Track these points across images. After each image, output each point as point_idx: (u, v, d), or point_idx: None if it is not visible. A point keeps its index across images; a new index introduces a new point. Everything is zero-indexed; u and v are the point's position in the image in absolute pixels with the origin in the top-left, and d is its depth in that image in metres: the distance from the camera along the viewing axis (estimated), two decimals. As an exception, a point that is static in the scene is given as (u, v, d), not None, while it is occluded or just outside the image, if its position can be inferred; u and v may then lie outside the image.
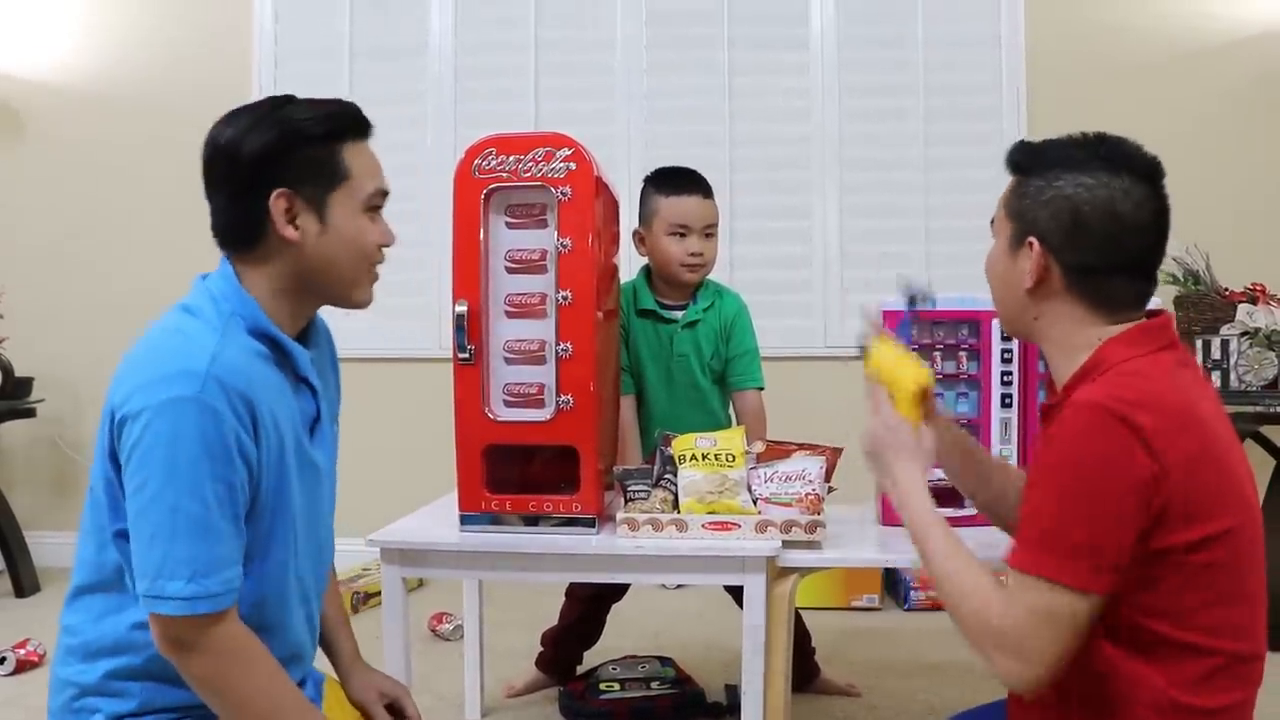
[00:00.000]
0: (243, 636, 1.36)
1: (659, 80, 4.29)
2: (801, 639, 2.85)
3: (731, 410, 2.77)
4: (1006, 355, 2.21)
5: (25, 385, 4.13)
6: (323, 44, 4.40)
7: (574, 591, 2.93)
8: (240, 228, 1.44)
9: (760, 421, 2.65)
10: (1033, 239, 1.41)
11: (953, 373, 2.27)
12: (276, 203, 1.41)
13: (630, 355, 2.70)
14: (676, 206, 2.66)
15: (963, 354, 2.26)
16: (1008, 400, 2.22)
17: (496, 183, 2.08)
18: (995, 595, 1.30)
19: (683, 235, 2.65)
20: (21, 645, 3.22)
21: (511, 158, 2.07)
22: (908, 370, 1.60)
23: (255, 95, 4.30)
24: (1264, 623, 1.37)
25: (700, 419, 2.61)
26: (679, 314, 2.70)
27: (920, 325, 2.26)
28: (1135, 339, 1.39)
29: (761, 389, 2.75)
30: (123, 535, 1.35)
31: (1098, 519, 1.25)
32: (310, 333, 1.57)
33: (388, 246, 1.56)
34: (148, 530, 1.29)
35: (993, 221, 1.54)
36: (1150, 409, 1.27)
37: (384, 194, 1.54)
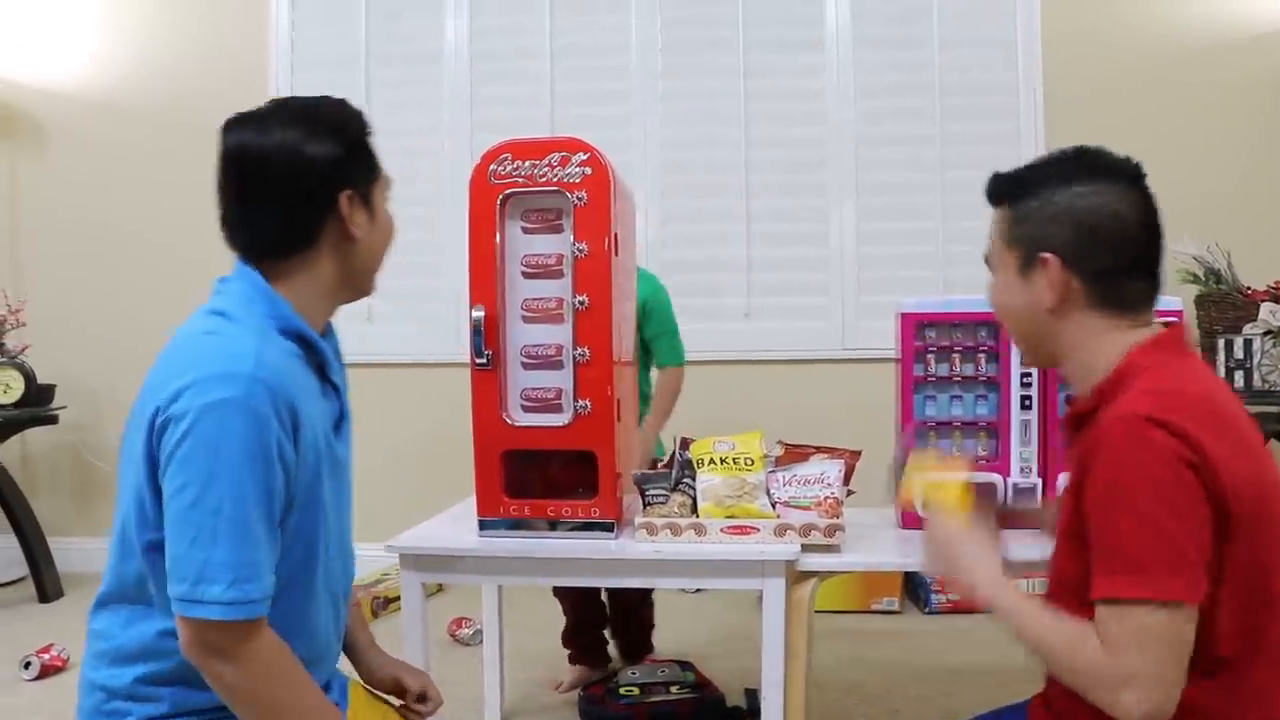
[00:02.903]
0: (276, 647, 1.35)
1: (674, 83, 4.30)
2: (644, 612, 3.15)
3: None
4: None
5: (47, 393, 4.17)
6: (339, 51, 4.43)
7: (558, 590, 3.08)
8: (295, 234, 1.44)
9: (671, 397, 2.99)
10: (1047, 255, 1.41)
11: (971, 375, 2.26)
12: (345, 203, 1.44)
13: None
14: None
15: (981, 356, 2.25)
16: (1027, 402, 2.22)
17: (513, 188, 2.08)
18: (1096, 643, 1.26)
19: None
20: (45, 650, 3.25)
21: (527, 163, 2.07)
22: (946, 480, 1.61)
23: (273, 103, 4.36)
24: None
25: None
26: None
27: (939, 326, 2.25)
28: (1162, 344, 1.40)
29: (682, 365, 3.06)
30: (153, 547, 1.34)
31: (1179, 531, 1.23)
32: (327, 331, 1.58)
33: None
34: (189, 533, 1.28)
35: (987, 259, 1.54)
36: (1190, 414, 1.27)
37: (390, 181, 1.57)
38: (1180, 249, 3.74)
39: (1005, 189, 1.50)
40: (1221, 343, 3.60)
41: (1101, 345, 1.41)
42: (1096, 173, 1.43)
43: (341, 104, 1.49)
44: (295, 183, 1.41)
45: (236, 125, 1.43)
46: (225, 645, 1.30)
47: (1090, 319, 1.42)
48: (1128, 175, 1.44)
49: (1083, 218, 1.40)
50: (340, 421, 1.54)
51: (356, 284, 1.53)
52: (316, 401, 1.45)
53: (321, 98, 1.49)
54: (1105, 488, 1.28)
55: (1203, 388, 1.37)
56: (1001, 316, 1.55)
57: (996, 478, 2.20)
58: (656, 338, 3.02)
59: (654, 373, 3.12)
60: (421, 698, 1.71)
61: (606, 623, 3.12)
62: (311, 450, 1.40)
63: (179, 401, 1.29)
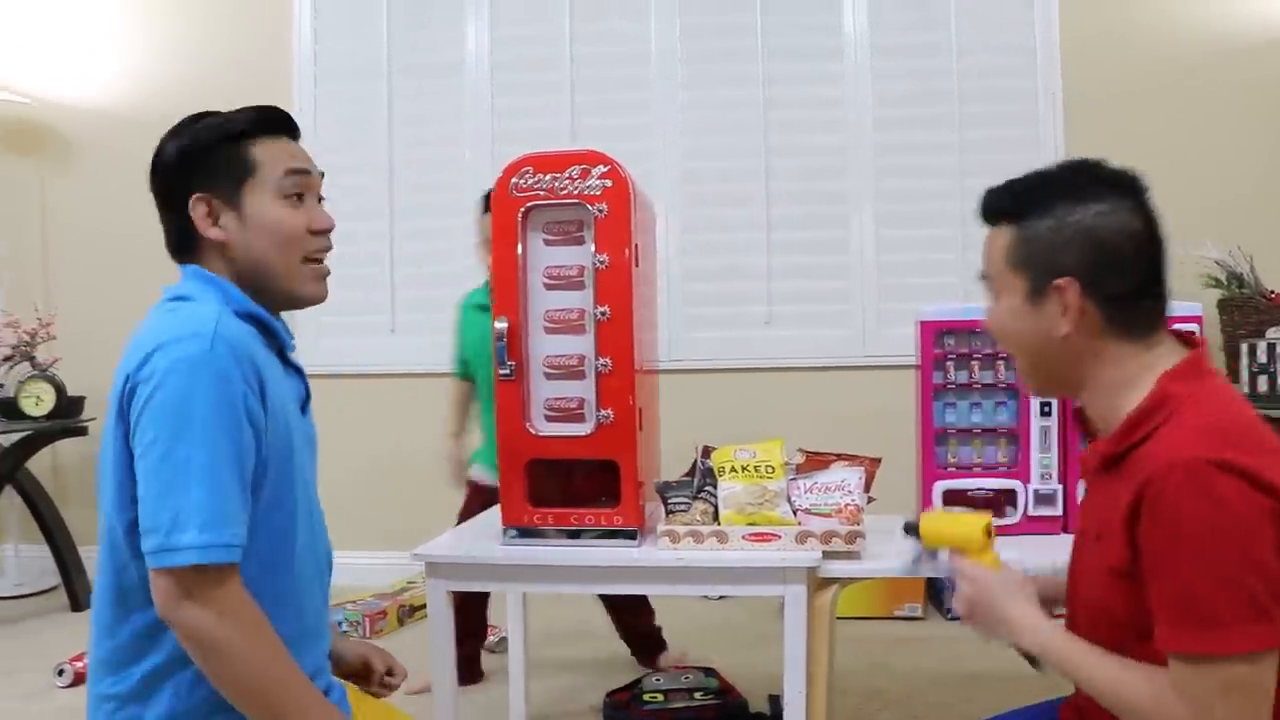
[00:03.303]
0: (248, 601, 1.34)
1: (695, 93, 4.32)
2: (646, 613, 3.31)
3: None
4: None
5: (77, 404, 4.23)
6: (361, 63, 4.48)
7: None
8: (178, 236, 1.51)
9: None
10: (1063, 281, 1.33)
11: (990, 382, 2.27)
12: (196, 206, 1.47)
13: (468, 348, 3.23)
14: (488, 223, 2.97)
15: (1000, 363, 2.26)
16: (1047, 409, 2.22)
17: (534, 200, 2.10)
18: (1168, 686, 1.22)
19: None
20: (78, 658, 3.29)
21: (548, 176, 2.09)
22: (965, 520, 1.57)
23: (296, 115, 4.40)
24: None
25: None
26: None
27: (959, 333, 2.26)
28: (1193, 369, 1.34)
29: None
30: (134, 527, 1.35)
31: (1257, 581, 1.17)
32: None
33: (321, 231, 1.56)
34: (159, 486, 1.30)
35: (985, 279, 1.45)
36: (1245, 447, 1.22)
37: (298, 172, 1.53)
38: (1202, 253, 3.74)
39: (1009, 206, 1.40)
40: (1245, 347, 3.59)
41: (1123, 372, 1.35)
42: (1105, 188, 1.35)
43: (210, 112, 1.53)
44: (157, 189, 1.50)
45: None
46: (198, 591, 1.30)
47: (1108, 346, 1.35)
48: (1132, 189, 1.37)
49: (1100, 239, 1.33)
50: (305, 402, 1.60)
51: (261, 288, 1.51)
52: (280, 377, 1.49)
53: (203, 112, 1.54)
54: (1174, 537, 1.21)
55: (1245, 414, 1.31)
56: (1005, 343, 1.46)
57: (1018, 484, 2.21)
58: None
59: None
60: (389, 673, 1.76)
61: (482, 641, 3.31)
62: (281, 418, 1.43)
63: (146, 366, 1.34)
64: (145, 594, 1.36)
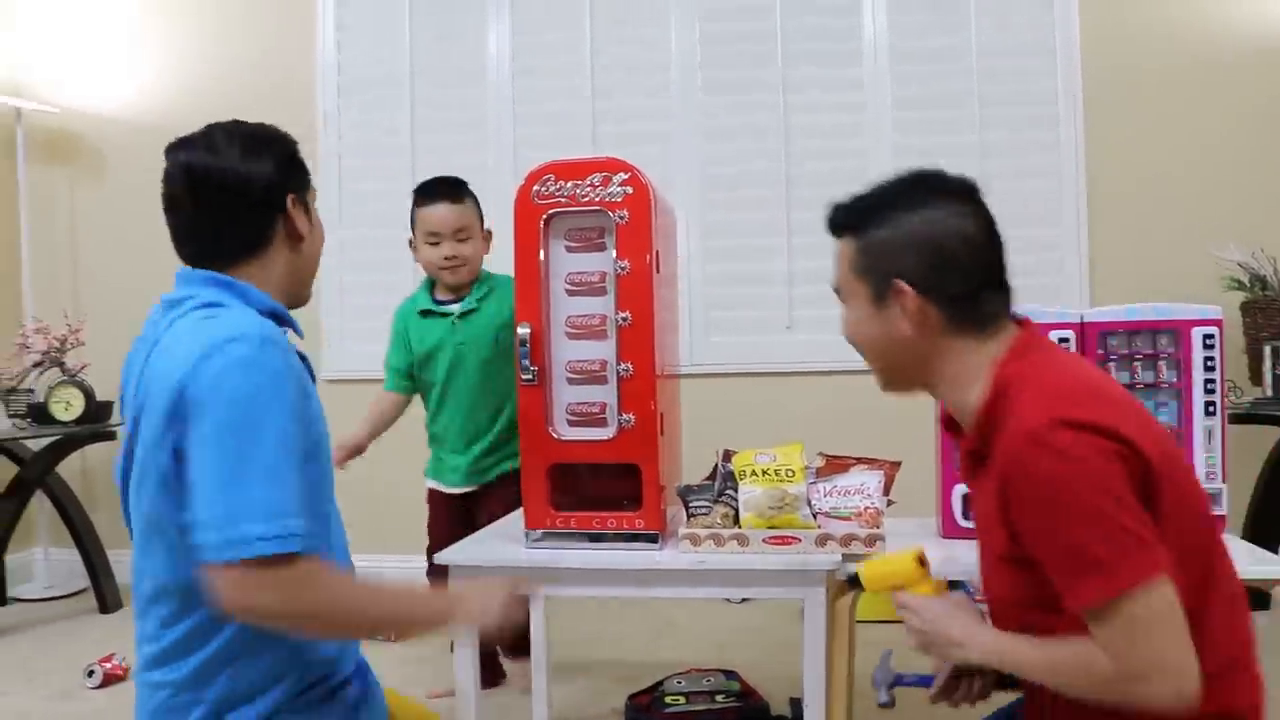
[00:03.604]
0: (318, 568, 1.39)
1: (715, 98, 4.33)
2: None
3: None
4: (1210, 363, 2.19)
5: (106, 409, 4.28)
6: (384, 72, 4.51)
7: None
8: (253, 237, 1.55)
9: None
10: (901, 284, 1.41)
11: (1151, 382, 2.23)
12: (295, 207, 1.58)
13: (416, 354, 3.05)
14: (428, 215, 2.97)
15: (1162, 363, 2.23)
16: (1211, 409, 2.19)
17: (556, 208, 2.13)
18: (1094, 647, 1.27)
19: (436, 242, 2.96)
20: (107, 659, 3.34)
21: (570, 183, 2.12)
22: (897, 558, 1.60)
23: (320, 123, 4.46)
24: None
25: (490, 398, 3.01)
26: (455, 307, 3.02)
27: (1119, 334, 2.24)
28: (1023, 347, 1.42)
29: None
30: (187, 527, 1.38)
31: (1125, 515, 1.24)
32: None
33: None
34: (218, 481, 1.33)
35: (837, 290, 1.54)
36: (1079, 402, 1.29)
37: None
38: (1225, 255, 3.73)
39: (848, 219, 1.49)
40: (1268, 350, 3.57)
41: (967, 368, 1.43)
42: (938, 195, 1.44)
43: (272, 126, 1.63)
44: (247, 191, 1.53)
45: (181, 147, 1.56)
46: (271, 579, 1.33)
47: (952, 343, 1.43)
48: (966, 193, 1.45)
49: (931, 242, 1.41)
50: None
51: (298, 288, 1.64)
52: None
53: (256, 123, 1.62)
54: (1038, 504, 1.28)
55: (1084, 373, 1.39)
56: (859, 349, 1.54)
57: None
58: None
59: None
60: None
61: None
62: (317, 406, 1.51)
63: (199, 369, 1.37)
64: (191, 589, 1.40)
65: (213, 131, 1.57)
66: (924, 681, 1.70)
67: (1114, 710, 1.28)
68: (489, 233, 3.06)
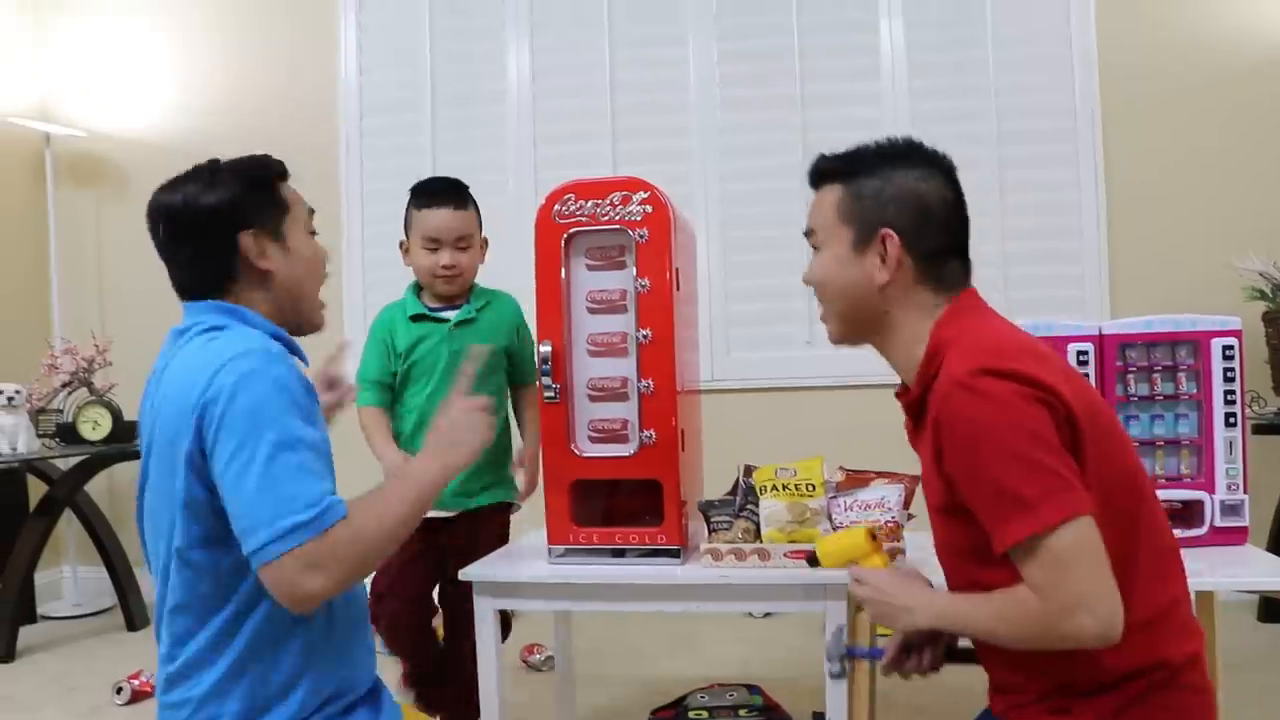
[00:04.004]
0: (343, 526, 1.40)
1: (733, 116, 4.36)
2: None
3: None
4: (1230, 374, 2.20)
5: (133, 429, 4.32)
6: (405, 95, 4.57)
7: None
8: (215, 271, 1.59)
9: (538, 411, 2.40)
10: (889, 232, 1.47)
11: (1171, 394, 2.24)
12: (245, 241, 1.57)
13: (402, 362, 2.69)
14: (428, 220, 2.67)
15: (1181, 375, 2.24)
16: (1232, 420, 2.20)
17: (576, 227, 2.16)
18: (1023, 589, 1.32)
19: (434, 249, 2.66)
20: (135, 676, 3.38)
21: (590, 203, 2.15)
22: (851, 533, 1.69)
23: (341, 146, 4.52)
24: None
25: None
26: (450, 314, 2.70)
27: (1138, 346, 2.25)
28: (960, 310, 1.49)
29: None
30: (208, 541, 1.44)
31: (1048, 456, 1.29)
32: None
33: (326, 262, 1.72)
34: (250, 487, 1.37)
35: (808, 234, 1.59)
36: (1007, 356, 1.35)
37: (311, 211, 1.69)
38: (1245, 266, 3.71)
39: (839, 166, 1.55)
40: (1290, 360, 3.56)
41: (921, 323, 1.49)
42: (923, 160, 1.52)
43: (248, 156, 1.64)
44: (199, 227, 1.57)
45: (158, 190, 1.62)
46: (315, 558, 1.37)
47: (918, 294, 1.49)
48: (945, 165, 1.53)
49: (918, 198, 1.49)
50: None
51: (291, 316, 1.64)
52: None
53: (237, 158, 1.64)
54: (964, 450, 1.34)
55: (1011, 335, 1.45)
56: (822, 291, 1.58)
57: (1204, 495, 2.19)
58: (527, 359, 2.73)
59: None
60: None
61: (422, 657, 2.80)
62: (323, 423, 1.53)
63: (213, 386, 1.42)
64: (221, 596, 1.45)
65: (191, 170, 1.62)
66: (875, 654, 1.75)
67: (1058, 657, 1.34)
68: (486, 241, 2.78)
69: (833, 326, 1.61)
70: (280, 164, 1.67)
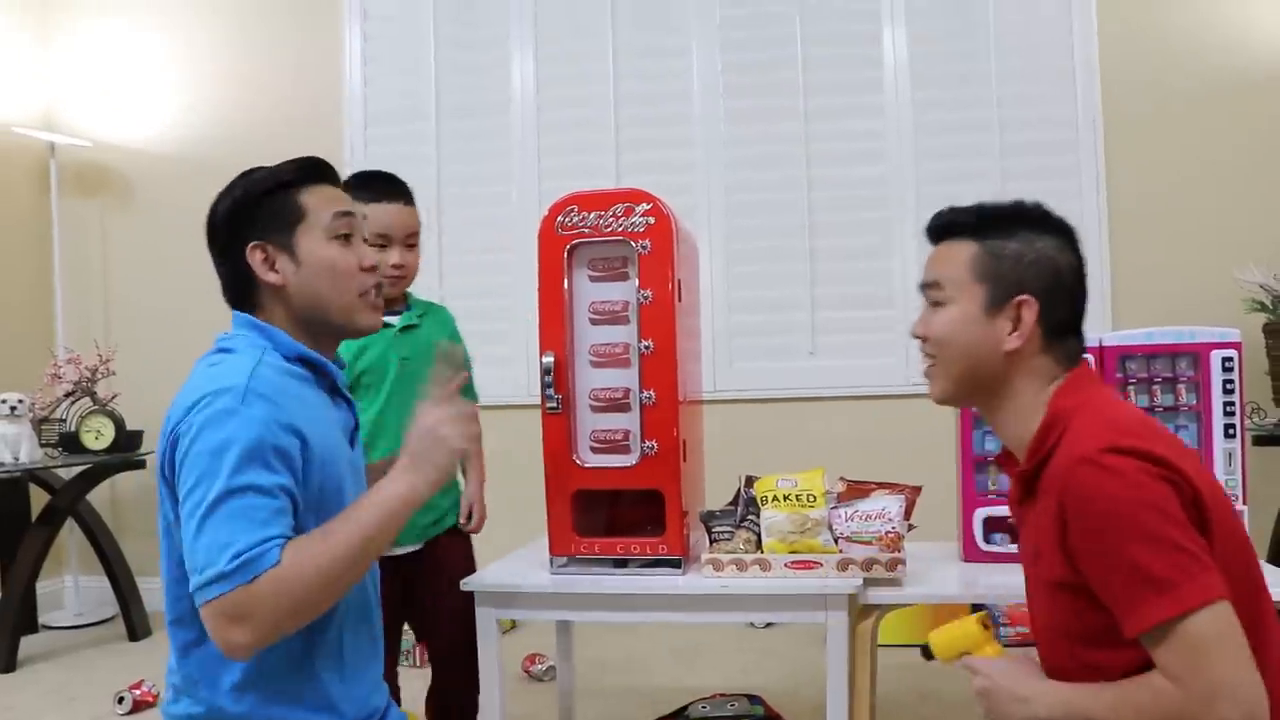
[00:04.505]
0: (281, 569, 1.35)
1: (736, 128, 4.38)
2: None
3: None
4: (1229, 386, 2.21)
5: (136, 438, 4.34)
6: (409, 105, 4.58)
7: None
8: (235, 285, 1.59)
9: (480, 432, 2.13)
10: (1027, 298, 1.44)
11: (1171, 405, 2.26)
12: (253, 254, 1.55)
13: (353, 372, 2.34)
14: (378, 214, 2.31)
15: (1181, 386, 2.25)
16: (1231, 431, 2.21)
17: (579, 238, 2.17)
18: (1157, 676, 1.26)
19: (384, 245, 2.33)
20: (137, 686, 3.38)
21: (593, 214, 2.16)
22: (964, 623, 1.61)
23: (346, 156, 4.53)
24: None
25: None
26: (394, 319, 2.40)
27: (1137, 358, 2.27)
28: (1079, 385, 1.45)
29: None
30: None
31: (1184, 537, 1.25)
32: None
33: (371, 270, 1.62)
34: (193, 528, 1.36)
35: (929, 286, 1.53)
36: (1132, 433, 1.32)
37: (344, 214, 1.60)
38: (1246, 277, 3.72)
39: (974, 221, 1.51)
40: (1292, 373, 3.56)
41: (1039, 395, 1.45)
42: (1055, 227, 1.49)
43: (256, 168, 1.61)
44: (213, 242, 1.59)
45: None
46: (237, 611, 1.33)
47: (1040, 363, 1.46)
48: (1072, 235, 1.50)
49: (1055, 267, 1.46)
50: (354, 433, 1.67)
51: (319, 324, 1.59)
52: (326, 414, 1.57)
53: (258, 166, 1.61)
54: (1095, 531, 1.29)
55: (1131, 412, 1.43)
56: (942, 348, 1.51)
57: None
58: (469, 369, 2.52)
59: None
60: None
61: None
62: (329, 454, 1.51)
63: (186, 419, 1.42)
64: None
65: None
66: None
67: None
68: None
69: (943, 385, 1.54)
70: (310, 169, 1.62)
